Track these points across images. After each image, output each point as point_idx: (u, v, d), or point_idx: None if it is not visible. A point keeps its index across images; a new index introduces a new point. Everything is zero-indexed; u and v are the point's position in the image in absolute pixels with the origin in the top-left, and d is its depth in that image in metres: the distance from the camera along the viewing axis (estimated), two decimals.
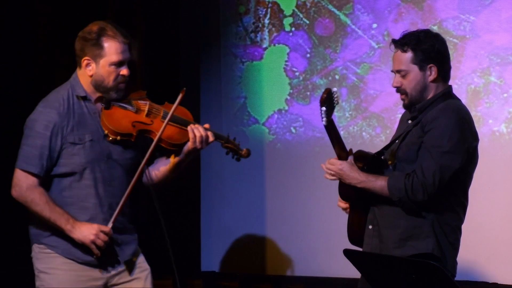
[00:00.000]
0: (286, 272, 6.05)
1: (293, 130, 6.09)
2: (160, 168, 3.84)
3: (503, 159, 5.46)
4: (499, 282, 5.41)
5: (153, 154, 3.79)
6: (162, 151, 3.83)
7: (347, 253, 3.28)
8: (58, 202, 3.62)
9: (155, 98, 3.88)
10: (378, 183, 3.63)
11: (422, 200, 3.55)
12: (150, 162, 3.82)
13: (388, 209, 3.67)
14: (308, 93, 6.04)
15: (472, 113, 5.47)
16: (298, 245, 6.00)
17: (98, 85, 3.67)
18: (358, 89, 5.88)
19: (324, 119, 3.65)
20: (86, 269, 3.68)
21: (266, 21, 6.17)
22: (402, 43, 3.71)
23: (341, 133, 5.81)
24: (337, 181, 3.78)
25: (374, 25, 5.83)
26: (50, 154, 3.60)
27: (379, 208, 3.71)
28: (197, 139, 3.70)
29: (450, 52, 5.59)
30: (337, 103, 3.69)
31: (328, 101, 3.64)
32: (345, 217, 3.89)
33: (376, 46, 5.81)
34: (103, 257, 3.66)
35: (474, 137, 3.67)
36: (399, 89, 3.72)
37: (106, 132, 3.66)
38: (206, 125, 3.79)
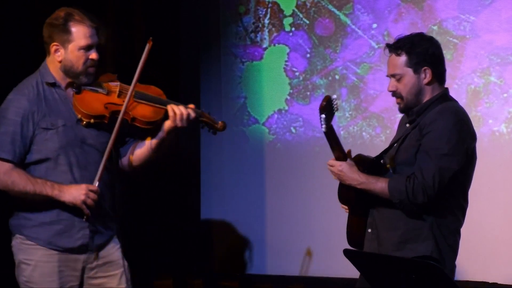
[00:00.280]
0: (286, 272, 6.05)
1: (293, 130, 6.09)
2: (136, 152, 3.84)
3: (503, 159, 5.46)
4: (499, 282, 5.41)
5: (127, 134, 3.81)
6: (139, 133, 3.83)
7: (347, 253, 3.28)
8: None
9: None
10: (379, 184, 3.63)
11: (422, 202, 3.55)
12: (123, 142, 3.83)
13: (388, 212, 3.67)
14: (308, 93, 6.04)
15: (472, 113, 5.53)
16: (298, 245, 6.00)
17: (67, 71, 3.68)
18: (358, 89, 5.89)
19: (324, 126, 3.65)
20: (68, 259, 3.69)
21: (266, 21, 6.18)
22: (396, 46, 3.70)
23: (341, 133, 5.85)
24: (337, 181, 3.78)
25: (374, 25, 5.83)
26: (23, 140, 3.62)
27: (379, 211, 3.71)
28: (177, 117, 3.71)
29: (450, 52, 5.62)
30: (337, 109, 3.70)
31: (328, 108, 3.65)
32: (345, 217, 3.89)
33: (376, 46, 5.81)
34: (83, 239, 3.69)
35: (473, 138, 3.67)
36: (394, 93, 3.72)
37: (79, 116, 3.67)
38: (191, 105, 3.78)
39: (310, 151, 5.95)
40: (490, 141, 5.49)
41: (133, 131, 3.84)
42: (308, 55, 6.04)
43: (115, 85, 3.77)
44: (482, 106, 5.53)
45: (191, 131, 6.34)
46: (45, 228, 3.66)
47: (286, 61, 6.12)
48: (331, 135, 3.70)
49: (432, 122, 3.59)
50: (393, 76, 3.70)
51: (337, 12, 5.95)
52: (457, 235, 3.69)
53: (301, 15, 6.07)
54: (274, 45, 6.16)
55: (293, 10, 6.09)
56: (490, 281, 5.42)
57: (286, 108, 6.10)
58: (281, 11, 6.13)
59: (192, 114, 3.74)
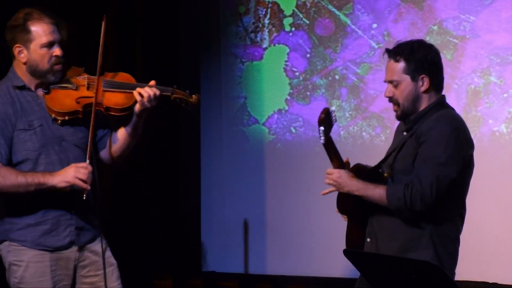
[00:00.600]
0: (286, 272, 6.05)
1: (293, 130, 6.09)
2: (114, 143, 3.84)
3: (503, 159, 5.46)
4: (499, 282, 5.41)
5: (104, 125, 3.81)
6: (115, 123, 3.83)
7: (347, 253, 3.28)
8: None
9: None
10: (377, 191, 3.62)
11: (420, 210, 3.54)
12: (100, 135, 3.83)
13: (387, 221, 3.66)
14: (308, 93, 6.04)
15: (472, 113, 5.53)
16: (298, 245, 6.00)
17: (33, 71, 3.69)
18: (358, 89, 5.89)
19: (323, 138, 3.66)
20: (59, 258, 3.70)
21: (266, 21, 6.18)
22: (395, 52, 3.68)
23: (341, 133, 5.85)
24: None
25: (374, 25, 5.83)
26: (6, 142, 3.63)
27: (378, 220, 3.71)
28: (145, 100, 3.71)
29: (450, 52, 5.62)
30: (335, 121, 3.70)
31: (327, 120, 3.65)
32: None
33: (376, 46, 5.81)
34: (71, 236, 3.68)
35: (470, 146, 3.66)
36: (391, 99, 3.71)
37: (53, 115, 3.68)
38: (152, 82, 3.78)
39: (310, 151, 5.95)
40: (490, 141, 5.49)
41: (109, 122, 3.84)
42: (308, 55, 6.04)
43: (83, 79, 3.77)
44: (482, 106, 5.52)
45: (191, 131, 6.36)
46: (31, 230, 3.66)
47: (286, 61, 6.12)
48: (330, 147, 3.71)
49: (429, 130, 3.58)
50: (390, 82, 3.69)
51: (337, 12, 5.95)
52: (456, 243, 3.68)
53: (301, 15, 6.07)
54: (274, 45, 6.16)
55: (293, 10, 6.09)
56: (490, 281, 5.42)
57: (286, 108, 6.10)
58: (281, 11, 6.13)
59: (157, 92, 3.73)
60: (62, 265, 3.71)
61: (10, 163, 3.65)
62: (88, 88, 3.73)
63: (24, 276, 3.67)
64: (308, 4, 6.04)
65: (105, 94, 3.73)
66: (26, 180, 3.58)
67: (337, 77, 5.95)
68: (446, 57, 5.57)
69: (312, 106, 5.99)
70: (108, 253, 3.83)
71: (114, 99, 3.73)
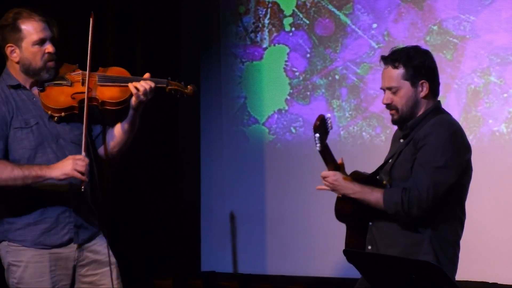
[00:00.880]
0: (286, 272, 6.05)
1: (293, 130, 6.09)
2: (111, 140, 3.84)
3: (503, 159, 5.46)
4: (499, 282, 5.41)
5: (100, 121, 3.82)
6: (111, 118, 3.83)
7: (347, 253, 3.28)
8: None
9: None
10: (374, 194, 3.61)
11: (417, 215, 3.54)
12: (97, 131, 3.83)
13: (386, 227, 3.65)
14: (308, 93, 6.04)
15: (472, 113, 5.53)
16: (298, 245, 6.00)
17: (27, 69, 3.69)
18: (358, 89, 5.88)
19: (318, 145, 3.66)
20: (58, 258, 3.69)
21: (266, 21, 6.17)
22: (392, 59, 3.67)
23: (341, 133, 5.85)
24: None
25: (374, 25, 5.83)
26: (2, 138, 3.63)
27: (377, 227, 3.70)
28: (140, 93, 3.72)
29: (450, 52, 5.62)
30: (331, 128, 3.70)
31: (322, 127, 3.65)
32: None
33: (376, 46, 5.81)
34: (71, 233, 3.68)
35: (467, 150, 3.65)
36: (389, 106, 3.70)
37: (49, 113, 3.68)
38: (146, 75, 3.79)
39: (310, 151, 5.91)
40: (490, 141, 5.49)
41: (105, 119, 3.84)
42: (308, 55, 6.04)
43: (77, 74, 3.77)
44: (482, 106, 5.52)
45: (191, 131, 6.36)
46: (31, 229, 3.66)
47: (286, 61, 6.11)
48: (326, 154, 3.71)
49: (427, 136, 3.58)
50: (389, 88, 3.68)
51: (337, 12, 5.95)
52: (456, 248, 3.68)
53: (301, 15, 6.07)
54: (274, 45, 6.15)
55: (293, 10, 6.09)
56: (490, 281, 5.42)
57: (286, 108, 6.10)
58: (281, 11, 6.13)
59: (152, 85, 3.73)
60: (61, 265, 3.71)
61: (6, 159, 3.63)
62: (82, 84, 3.73)
63: (23, 277, 3.66)
64: (308, 4, 6.04)
65: (100, 89, 3.73)
66: (23, 173, 3.57)
67: (337, 77, 5.95)
68: (446, 57, 5.57)
69: (312, 106, 5.98)
70: (109, 252, 3.83)
71: (109, 93, 3.74)
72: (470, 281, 5.35)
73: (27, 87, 3.72)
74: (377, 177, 3.74)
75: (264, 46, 6.17)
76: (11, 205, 3.67)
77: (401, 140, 3.72)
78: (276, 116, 6.13)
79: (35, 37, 3.66)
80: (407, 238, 3.61)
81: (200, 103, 6.26)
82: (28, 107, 3.69)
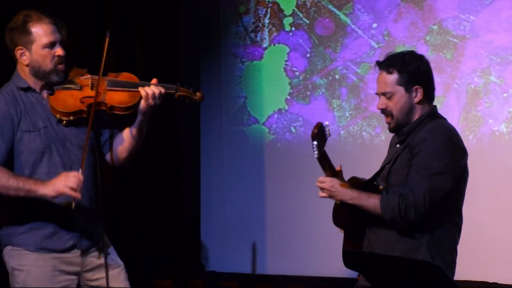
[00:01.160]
0: (286, 272, 6.05)
1: (293, 130, 6.09)
2: (119, 146, 3.83)
3: (503, 159, 5.46)
4: (499, 282, 5.41)
5: (108, 126, 3.81)
6: (120, 123, 3.83)
7: (347, 253, 3.27)
8: None
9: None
10: (371, 200, 3.60)
11: (414, 221, 3.53)
12: (104, 137, 3.83)
13: (384, 234, 3.65)
14: (308, 92, 6.04)
15: (472, 113, 5.53)
16: (298, 245, 6.00)
17: (36, 72, 3.68)
18: (358, 89, 5.89)
19: (316, 152, 3.66)
20: (62, 261, 3.68)
21: (266, 21, 6.18)
22: (387, 64, 3.67)
23: (341, 133, 5.85)
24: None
25: (374, 25, 5.83)
26: (4, 141, 3.61)
27: (374, 233, 3.69)
28: (149, 96, 3.71)
29: (450, 52, 5.61)
30: (329, 135, 3.70)
31: (320, 135, 3.65)
32: None
33: (376, 46, 5.81)
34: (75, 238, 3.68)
35: (463, 155, 3.64)
36: (384, 111, 3.69)
37: (58, 116, 3.67)
38: (154, 80, 3.79)
39: (310, 151, 5.91)
40: (490, 141, 5.49)
41: (114, 125, 3.84)
42: (308, 55, 6.04)
43: (86, 78, 3.76)
44: (482, 106, 5.52)
45: (191, 131, 6.36)
46: (34, 233, 3.65)
47: (286, 61, 6.12)
48: (323, 161, 3.70)
49: (423, 141, 3.57)
50: (383, 94, 3.68)
51: (337, 12, 5.95)
52: (454, 253, 3.67)
53: (301, 15, 6.07)
54: (274, 44, 6.15)
55: (293, 10, 6.09)
56: (490, 281, 5.42)
57: (286, 108, 6.10)
58: (281, 10, 6.13)
59: (162, 90, 3.74)
60: (65, 271, 3.69)
61: (10, 164, 3.63)
62: (92, 88, 3.73)
63: (26, 281, 3.64)
64: (308, 4, 6.04)
65: (109, 93, 3.72)
66: (17, 184, 3.54)
67: (337, 76, 5.95)
68: (446, 57, 5.57)
69: (312, 106, 5.98)
70: (114, 255, 3.82)
71: (118, 98, 3.73)
72: (470, 281, 5.35)
73: (37, 90, 3.71)
74: (375, 183, 3.73)
75: (264, 46, 6.18)
76: (15, 210, 3.66)
77: (398, 146, 3.72)
78: (276, 116, 6.13)
79: (45, 40, 3.64)
80: (405, 244, 3.60)
81: (200, 103, 6.25)
82: (36, 110, 3.68)
